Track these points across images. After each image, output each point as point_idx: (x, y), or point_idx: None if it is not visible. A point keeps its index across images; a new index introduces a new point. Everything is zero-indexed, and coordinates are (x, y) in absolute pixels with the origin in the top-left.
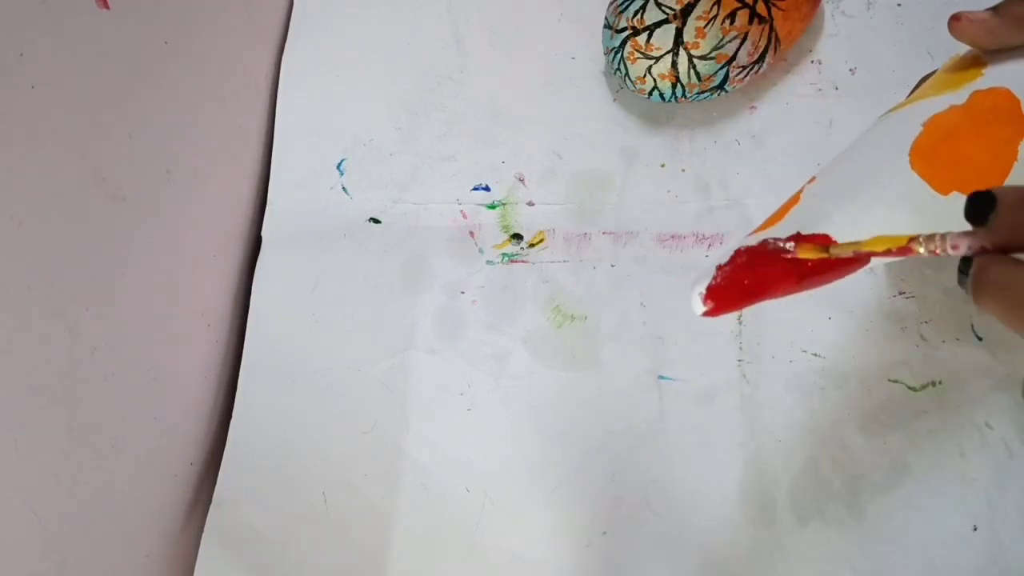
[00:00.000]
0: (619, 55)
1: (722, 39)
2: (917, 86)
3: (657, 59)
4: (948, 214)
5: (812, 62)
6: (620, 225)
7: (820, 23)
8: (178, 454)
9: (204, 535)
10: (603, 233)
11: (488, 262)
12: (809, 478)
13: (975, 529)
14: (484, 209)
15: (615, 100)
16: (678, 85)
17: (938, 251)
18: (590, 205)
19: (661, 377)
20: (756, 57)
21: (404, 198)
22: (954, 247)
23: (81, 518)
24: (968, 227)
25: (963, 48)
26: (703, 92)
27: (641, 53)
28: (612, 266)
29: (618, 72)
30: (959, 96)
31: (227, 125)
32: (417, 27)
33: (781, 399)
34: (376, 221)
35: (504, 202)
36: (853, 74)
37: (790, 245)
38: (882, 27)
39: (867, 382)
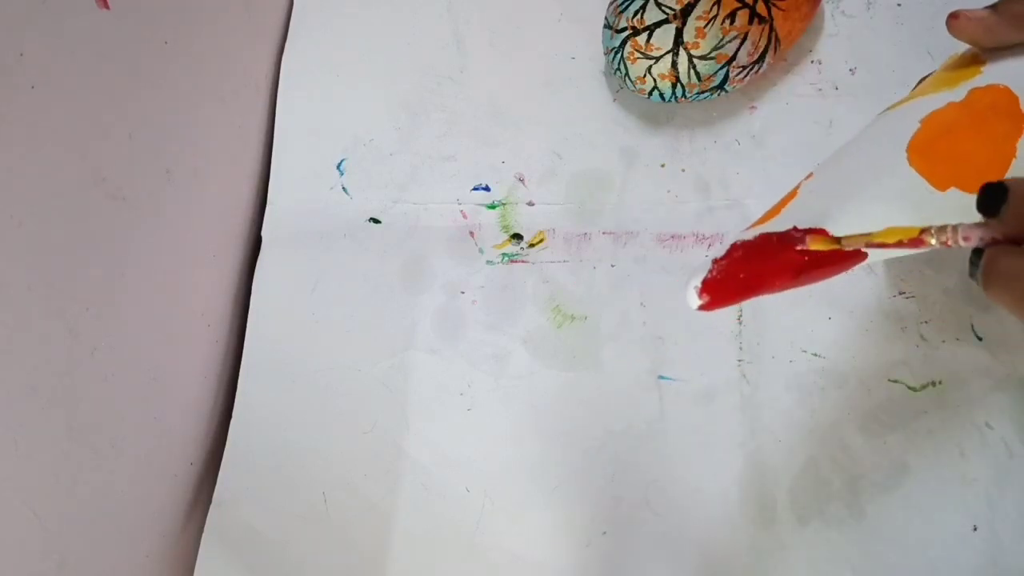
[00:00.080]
0: (619, 55)
1: (722, 39)
2: (917, 86)
3: (657, 59)
4: (946, 210)
5: (812, 62)
6: (620, 225)
7: (820, 23)
8: (178, 454)
9: (204, 535)
10: (603, 233)
11: (488, 262)
12: (809, 478)
13: (975, 529)
14: (484, 209)
15: (615, 100)
16: (678, 85)
17: (950, 242)
18: (590, 205)
19: (661, 377)
20: (756, 57)
21: (404, 198)
22: (966, 238)
23: (81, 518)
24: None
25: (962, 47)
26: (703, 92)
27: (641, 53)
28: (612, 266)
29: (618, 72)
30: (957, 93)
31: (227, 125)
32: (417, 27)
33: (781, 399)
34: (376, 221)
35: (504, 202)
36: (853, 74)
37: (808, 239)
38: (882, 27)
39: (867, 382)
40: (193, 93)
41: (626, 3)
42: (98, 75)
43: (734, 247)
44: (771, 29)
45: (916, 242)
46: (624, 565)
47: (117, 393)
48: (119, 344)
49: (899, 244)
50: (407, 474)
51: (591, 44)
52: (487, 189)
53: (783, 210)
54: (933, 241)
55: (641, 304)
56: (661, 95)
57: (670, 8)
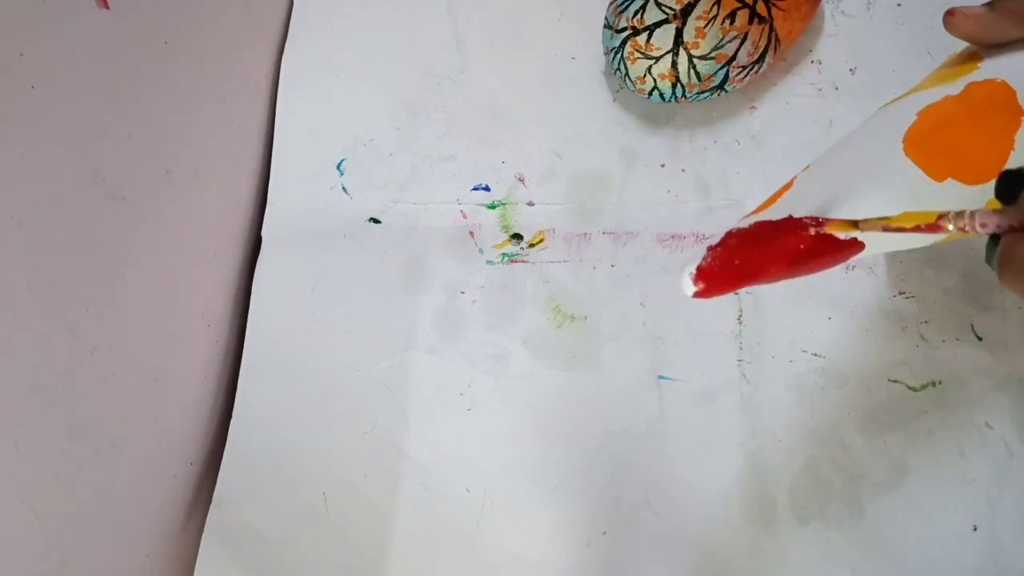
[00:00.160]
0: (619, 55)
1: (722, 39)
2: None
3: (657, 59)
4: (943, 200)
5: (812, 62)
6: (620, 225)
7: (820, 23)
8: (178, 454)
9: (204, 535)
10: (603, 233)
11: (488, 262)
12: (809, 478)
13: (975, 529)
14: (484, 209)
15: (615, 100)
16: (678, 85)
17: (967, 228)
18: (590, 205)
19: (661, 377)
20: (756, 57)
21: (404, 198)
22: (983, 225)
23: (81, 518)
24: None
25: (962, 47)
26: (703, 92)
27: (641, 53)
28: (612, 266)
29: (618, 72)
30: (954, 88)
31: (227, 125)
32: (417, 27)
33: (781, 399)
34: (376, 221)
35: (504, 202)
36: (853, 74)
37: (827, 223)
38: (882, 27)
39: (867, 382)
40: (193, 93)
41: (626, 3)
42: (98, 75)
43: (729, 235)
44: (771, 29)
45: (933, 227)
46: (624, 565)
47: (117, 393)
48: (119, 344)
49: (916, 229)
50: (407, 474)
51: (591, 44)
52: (487, 189)
53: (778, 200)
54: (950, 227)
55: (641, 304)
56: (661, 95)
57: (670, 8)
